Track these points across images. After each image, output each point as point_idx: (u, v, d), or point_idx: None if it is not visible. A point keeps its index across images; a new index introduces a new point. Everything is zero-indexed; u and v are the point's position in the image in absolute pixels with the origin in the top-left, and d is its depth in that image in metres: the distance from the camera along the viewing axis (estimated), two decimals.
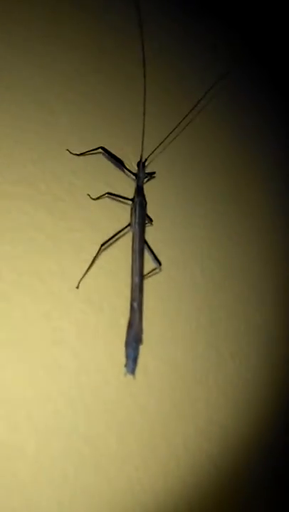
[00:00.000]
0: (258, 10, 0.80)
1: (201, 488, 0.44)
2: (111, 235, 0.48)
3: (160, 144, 0.54)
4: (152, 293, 0.50)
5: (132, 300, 0.44)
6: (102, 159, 0.53)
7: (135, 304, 0.43)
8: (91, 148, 0.51)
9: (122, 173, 0.53)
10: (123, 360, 0.44)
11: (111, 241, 0.46)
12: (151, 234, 0.53)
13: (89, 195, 0.50)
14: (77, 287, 0.45)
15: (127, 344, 0.42)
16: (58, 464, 0.38)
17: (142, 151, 0.51)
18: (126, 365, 0.42)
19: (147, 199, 0.51)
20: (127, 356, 0.42)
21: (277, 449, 0.54)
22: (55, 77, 0.53)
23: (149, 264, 0.49)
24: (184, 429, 0.46)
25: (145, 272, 0.48)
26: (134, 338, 0.43)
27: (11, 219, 0.44)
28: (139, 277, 0.45)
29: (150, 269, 0.49)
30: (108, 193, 0.49)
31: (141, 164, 0.50)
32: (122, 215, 0.51)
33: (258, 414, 0.53)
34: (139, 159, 0.51)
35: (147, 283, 0.49)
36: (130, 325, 0.43)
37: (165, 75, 0.63)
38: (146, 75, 0.52)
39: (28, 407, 0.38)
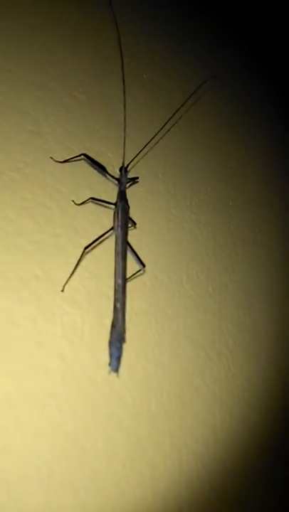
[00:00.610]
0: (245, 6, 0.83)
1: (188, 485, 0.45)
2: (94, 238, 0.50)
3: (141, 150, 0.56)
4: (138, 294, 0.51)
5: (116, 301, 0.45)
6: (85, 166, 0.54)
7: (118, 305, 0.45)
8: (74, 156, 0.53)
9: (104, 179, 0.54)
10: (108, 359, 0.45)
11: (94, 244, 0.48)
12: (136, 237, 0.54)
13: (73, 201, 0.51)
14: (63, 290, 0.46)
15: (111, 343, 0.44)
16: (46, 463, 0.39)
17: (124, 156, 0.52)
18: (110, 364, 0.43)
19: (132, 203, 0.52)
20: (111, 355, 0.43)
21: (266, 446, 0.55)
22: (34, 86, 0.55)
23: (133, 266, 0.51)
24: (169, 427, 0.47)
25: (129, 273, 0.49)
26: (117, 338, 0.44)
27: None
28: (122, 279, 0.46)
29: (134, 271, 0.51)
30: (92, 198, 0.50)
31: (123, 169, 0.52)
32: (105, 219, 0.53)
33: (245, 411, 0.54)
34: (121, 165, 0.53)
35: (132, 284, 0.51)
36: (113, 325, 0.45)
37: (146, 80, 0.64)
38: (126, 80, 0.54)
39: (16, 409, 0.39)
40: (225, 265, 0.63)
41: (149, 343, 0.50)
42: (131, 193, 0.55)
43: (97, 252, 0.50)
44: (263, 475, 0.54)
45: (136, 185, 0.58)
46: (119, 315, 0.45)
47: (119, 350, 0.44)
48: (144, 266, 0.50)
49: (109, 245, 0.51)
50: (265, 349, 0.61)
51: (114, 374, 0.44)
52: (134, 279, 0.51)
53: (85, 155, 0.52)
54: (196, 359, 0.53)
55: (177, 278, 0.57)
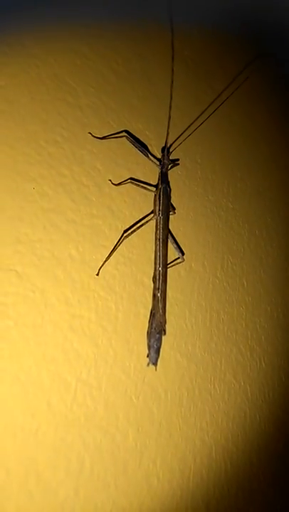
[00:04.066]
0: None
1: (216, 482, 0.45)
2: (131, 222, 0.49)
3: (184, 132, 0.54)
4: (172, 283, 0.50)
5: (155, 289, 0.45)
6: (123, 143, 0.53)
7: (159, 294, 0.44)
8: (114, 132, 0.51)
9: (143, 159, 0.53)
10: (142, 349, 0.44)
11: (134, 228, 0.46)
12: (172, 222, 0.53)
13: (110, 180, 0.50)
14: (98, 274, 0.45)
15: (150, 334, 0.43)
16: (75, 452, 0.38)
17: (167, 136, 0.51)
18: (148, 356, 0.43)
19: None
20: (150, 347, 0.43)
21: None
22: (76, 57, 0.54)
23: (171, 253, 0.50)
24: (201, 424, 0.47)
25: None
26: (156, 329, 0.43)
27: (31, 201, 0.45)
28: (162, 266, 0.45)
29: (172, 259, 0.50)
30: (131, 179, 0.49)
31: (166, 150, 0.50)
32: (142, 201, 0.52)
33: (275, 411, 0.54)
34: (163, 145, 0.51)
35: (168, 273, 0.50)
36: (153, 315, 0.44)
37: (187, 58, 0.63)
38: (169, 58, 0.53)
39: (47, 394, 0.38)
40: (260, 258, 0.62)
41: (182, 335, 0.49)
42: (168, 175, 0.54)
43: (133, 236, 0.49)
44: None
45: (173, 168, 0.57)
46: (160, 304, 0.44)
47: (159, 341, 0.43)
48: (183, 254, 0.49)
49: (146, 230, 0.50)
50: None
51: (147, 365, 0.44)
52: (169, 268, 0.50)
53: (126, 132, 0.50)
54: (229, 355, 0.52)
55: (212, 269, 0.56)
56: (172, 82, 0.53)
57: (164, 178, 0.50)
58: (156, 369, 0.43)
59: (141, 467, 0.41)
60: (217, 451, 0.47)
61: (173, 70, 0.53)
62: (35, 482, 0.35)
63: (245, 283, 0.58)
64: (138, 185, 0.50)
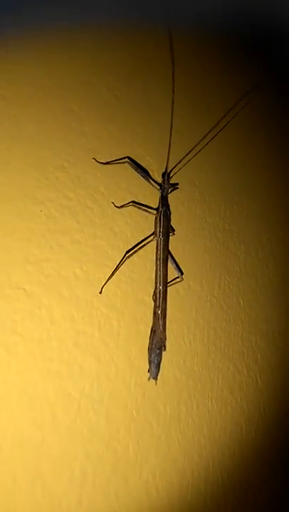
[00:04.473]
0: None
1: (214, 495, 0.46)
2: (133, 242, 0.51)
3: (184, 158, 0.58)
4: (171, 302, 0.53)
5: (156, 307, 0.47)
6: (126, 168, 0.56)
7: (159, 311, 0.46)
8: (117, 158, 0.54)
9: (145, 183, 0.56)
10: (142, 365, 0.46)
11: (136, 249, 0.49)
12: (171, 243, 0.56)
13: (113, 203, 0.53)
14: (101, 292, 0.48)
15: (151, 350, 0.45)
16: (79, 463, 0.40)
17: (168, 162, 0.54)
18: (149, 371, 0.45)
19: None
20: (150, 362, 0.45)
21: None
22: (82, 86, 0.57)
23: (170, 273, 0.52)
24: (198, 438, 0.49)
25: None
26: (157, 345, 0.45)
27: (39, 223, 0.48)
28: (163, 285, 0.48)
29: (172, 278, 0.52)
30: (133, 202, 0.52)
31: (166, 175, 0.53)
32: (144, 223, 0.54)
33: (270, 426, 0.55)
34: (163, 170, 0.55)
35: (168, 292, 0.52)
36: (153, 331, 0.46)
37: (192, 90, 0.66)
38: (169, 88, 0.56)
39: (52, 407, 0.41)
40: (256, 278, 0.64)
41: (180, 351, 0.52)
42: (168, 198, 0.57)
43: (134, 256, 0.52)
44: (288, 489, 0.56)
45: (173, 191, 0.60)
46: (160, 321, 0.46)
47: (159, 356, 0.45)
48: (182, 273, 0.52)
49: (147, 250, 0.53)
50: None
51: (147, 381, 0.46)
52: (168, 287, 0.53)
53: (129, 158, 0.53)
54: (226, 371, 0.54)
55: (209, 288, 0.58)
56: (173, 110, 0.56)
57: (164, 201, 0.53)
58: (156, 383, 0.46)
59: (141, 479, 0.43)
60: (214, 465, 0.49)
61: (173, 98, 0.56)
62: (40, 491, 0.37)
63: (241, 302, 0.61)
64: (140, 207, 0.53)
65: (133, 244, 0.51)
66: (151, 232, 0.52)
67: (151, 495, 0.43)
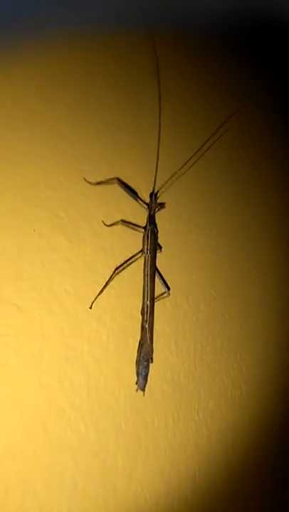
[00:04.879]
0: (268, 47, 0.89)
1: (200, 504, 0.48)
2: (122, 259, 0.54)
3: (170, 178, 0.60)
4: (159, 317, 0.55)
5: (144, 321, 0.49)
6: (115, 188, 0.58)
7: (146, 325, 0.48)
8: (106, 178, 0.57)
9: (133, 202, 0.58)
10: (131, 378, 0.48)
11: (124, 266, 0.51)
12: (159, 259, 0.58)
13: (103, 221, 0.55)
14: (91, 307, 0.50)
15: (138, 362, 0.47)
16: (69, 474, 0.41)
17: (155, 182, 0.57)
18: (137, 382, 0.47)
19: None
20: (138, 374, 0.47)
21: (277, 471, 0.58)
22: (73, 112, 0.60)
23: (158, 288, 0.55)
24: (185, 449, 0.50)
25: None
26: (144, 357, 0.47)
27: (31, 241, 0.50)
28: (150, 300, 0.50)
29: (159, 294, 0.54)
30: (122, 221, 0.54)
31: (154, 195, 0.56)
32: (132, 241, 0.57)
33: (256, 438, 0.57)
34: (151, 191, 0.57)
35: (155, 306, 0.54)
36: (141, 344, 0.48)
37: (178, 114, 0.70)
38: (156, 112, 0.59)
39: (43, 418, 0.42)
40: (241, 293, 0.67)
41: (168, 365, 0.53)
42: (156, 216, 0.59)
43: (123, 272, 0.54)
44: (273, 499, 0.57)
45: (160, 210, 0.62)
46: (148, 335, 0.48)
47: (147, 369, 0.47)
48: (169, 289, 0.54)
49: (135, 267, 0.55)
50: (277, 379, 0.65)
51: (136, 393, 0.48)
52: (156, 302, 0.55)
53: (118, 179, 0.56)
54: (212, 384, 0.56)
55: (195, 303, 0.60)
56: (159, 132, 0.59)
57: (151, 219, 0.55)
58: (144, 394, 0.47)
59: (129, 489, 0.44)
60: (200, 475, 0.50)
61: (160, 122, 0.59)
62: (32, 501, 0.39)
63: (226, 316, 0.63)
64: (128, 226, 0.55)
65: (122, 261, 0.54)
66: (140, 250, 0.54)
67: (139, 504, 0.44)
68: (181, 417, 0.52)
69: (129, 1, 0.66)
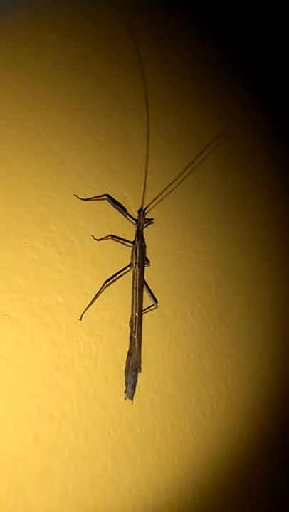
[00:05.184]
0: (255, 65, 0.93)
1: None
2: (111, 272, 0.56)
3: (158, 196, 0.63)
4: (147, 328, 0.57)
5: (132, 332, 0.51)
6: (105, 204, 0.61)
7: (135, 336, 0.50)
8: (96, 195, 0.59)
9: (122, 217, 0.61)
10: (119, 387, 0.50)
11: (114, 279, 0.53)
12: (147, 273, 0.60)
13: (93, 236, 0.57)
14: (80, 319, 0.51)
15: (127, 372, 0.49)
16: (59, 480, 0.43)
17: (143, 200, 0.59)
18: (125, 391, 0.48)
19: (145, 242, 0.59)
20: (127, 383, 0.48)
21: (261, 479, 0.60)
22: (64, 129, 0.62)
23: (146, 301, 0.57)
24: (172, 457, 0.52)
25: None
26: (133, 367, 0.49)
27: (23, 254, 0.51)
28: (139, 312, 0.52)
29: (147, 306, 0.56)
30: (111, 235, 0.57)
31: (142, 211, 0.58)
32: (120, 254, 0.59)
33: (242, 447, 0.59)
34: (139, 207, 0.60)
35: (143, 319, 0.56)
36: (130, 355, 0.50)
37: (167, 131, 0.73)
38: (145, 129, 0.62)
39: (35, 426, 0.43)
40: (226, 305, 0.69)
41: (155, 374, 0.55)
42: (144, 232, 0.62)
43: (112, 285, 0.56)
44: (260, 508, 0.59)
45: (148, 226, 0.65)
46: (136, 345, 0.50)
47: (135, 378, 0.49)
48: (156, 301, 0.56)
49: (123, 280, 0.57)
50: (262, 388, 0.67)
51: (124, 402, 0.49)
52: (144, 314, 0.57)
53: (108, 196, 0.58)
54: (198, 393, 0.58)
55: (182, 315, 0.62)
56: (148, 151, 0.61)
57: (140, 235, 0.58)
58: (132, 403, 0.49)
59: (118, 495, 0.46)
60: (187, 483, 0.52)
61: (148, 140, 0.62)
62: (23, 507, 0.40)
63: (212, 327, 0.65)
64: (117, 240, 0.58)
65: (111, 274, 0.56)
66: (128, 263, 0.56)
67: (127, 510, 0.46)
68: (169, 425, 0.53)
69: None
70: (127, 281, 0.57)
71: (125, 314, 0.55)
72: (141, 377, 0.52)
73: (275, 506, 0.61)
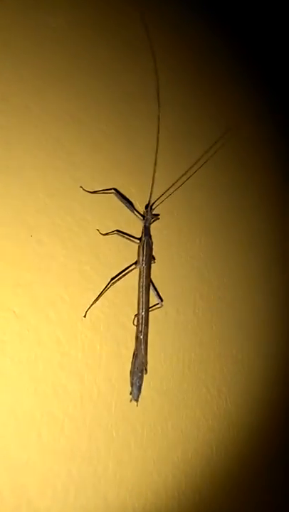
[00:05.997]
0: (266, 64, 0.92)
1: None
2: (115, 268, 0.55)
3: (165, 192, 0.62)
4: (150, 327, 0.56)
5: (138, 332, 0.50)
6: (111, 198, 0.59)
7: (141, 336, 0.49)
8: (103, 188, 0.58)
9: (128, 212, 0.59)
10: (123, 387, 0.49)
11: (120, 276, 0.52)
12: (152, 272, 0.59)
13: (98, 230, 0.56)
14: (85, 316, 0.50)
15: (133, 373, 0.48)
16: (61, 481, 0.42)
17: (151, 195, 0.58)
18: (131, 393, 0.48)
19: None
20: (133, 384, 0.48)
21: (261, 481, 0.60)
22: (72, 121, 0.61)
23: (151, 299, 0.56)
24: (172, 458, 0.52)
25: None
26: (139, 368, 0.48)
27: (29, 247, 0.50)
28: (145, 311, 0.51)
29: (152, 304, 0.56)
30: (117, 231, 0.55)
31: (149, 207, 0.57)
32: (126, 250, 0.58)
33: (241, 448, 0.59)
34: (147, 202, 0.58)
35: None
36: (135, 355, 0.49)
37: (176, 127, 0.71)
38: (152, 123, 0.61)
39: (37, 426, 0.43)
40: (228, 305, 0.69)
41: (158, 375, 0.55)
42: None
43: (117, 282, 0.55)
44: (258, 510, 0.59)
45: (155, 221, 0.64)
46: (142, 346, 0.49)
47: (141, 379, 0.48)
48: (162, 300, 0.55)
49: (129, 277, 0.56)
50: (261, 388, 0.67)
51: (127, 402, 0.49)
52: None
53: (115, 189, 0.57)
54: (199, 394, 0.58)
55: (185, 313, 0.62)
56: (157, 146, 0.60)
57: (146, 231, 0.56)
58: (137, 405, 0.48)
59: (119, 497, 0.45)
60: (187, 484, 0.52)
61: (158, 137, 0.61)
62: (26, 508, 0.39)
63: (213, 327, 0.65)
64: (123, 236, 0.57)
65: (115, 270, 0.55)
66: (134, 260, 0.55)
67: (128, 511, 0.45)
68: (170, 426, 0.53)
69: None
70: (132, 279, 0.56)
71: (130, 312, 0.54)
72: (144, 378, 0.51)
73: (275, 507, 0.61)
